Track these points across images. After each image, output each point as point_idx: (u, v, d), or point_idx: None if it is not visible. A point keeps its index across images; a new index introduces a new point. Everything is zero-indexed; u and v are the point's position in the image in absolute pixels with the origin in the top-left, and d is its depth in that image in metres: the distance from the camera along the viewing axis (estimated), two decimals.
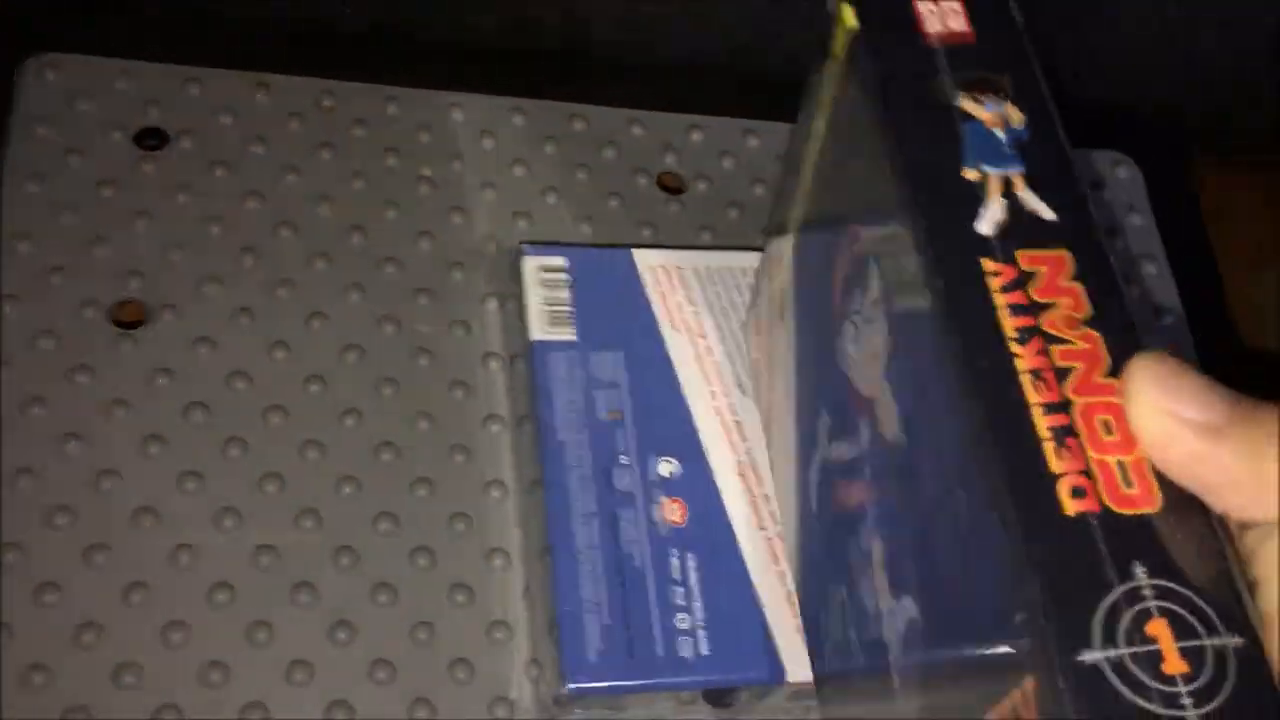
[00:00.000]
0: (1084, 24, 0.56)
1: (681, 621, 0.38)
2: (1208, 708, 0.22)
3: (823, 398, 0.34)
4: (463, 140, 0.48)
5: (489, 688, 0.39)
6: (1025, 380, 0.25)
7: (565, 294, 0.42)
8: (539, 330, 0.41)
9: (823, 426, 0.34)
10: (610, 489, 0.39)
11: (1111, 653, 0.22)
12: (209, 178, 0.45)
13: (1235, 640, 0.22)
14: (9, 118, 0.44)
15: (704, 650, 0.38)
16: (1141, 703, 0.21)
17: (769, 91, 0.54)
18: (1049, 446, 0.24)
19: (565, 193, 0.48)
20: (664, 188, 0.50)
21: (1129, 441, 0.24)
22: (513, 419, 0.43)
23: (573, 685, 0.36)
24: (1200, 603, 0.23)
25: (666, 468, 0.40)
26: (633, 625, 0.37)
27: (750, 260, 0.43)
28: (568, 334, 0.42)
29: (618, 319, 0.42)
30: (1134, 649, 0.22)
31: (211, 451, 0.41)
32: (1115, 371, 0.25)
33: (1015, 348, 0.25)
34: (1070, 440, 0.24)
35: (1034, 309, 0.26)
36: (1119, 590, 0.22)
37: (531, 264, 0.43)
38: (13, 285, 0.41)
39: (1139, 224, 0.54)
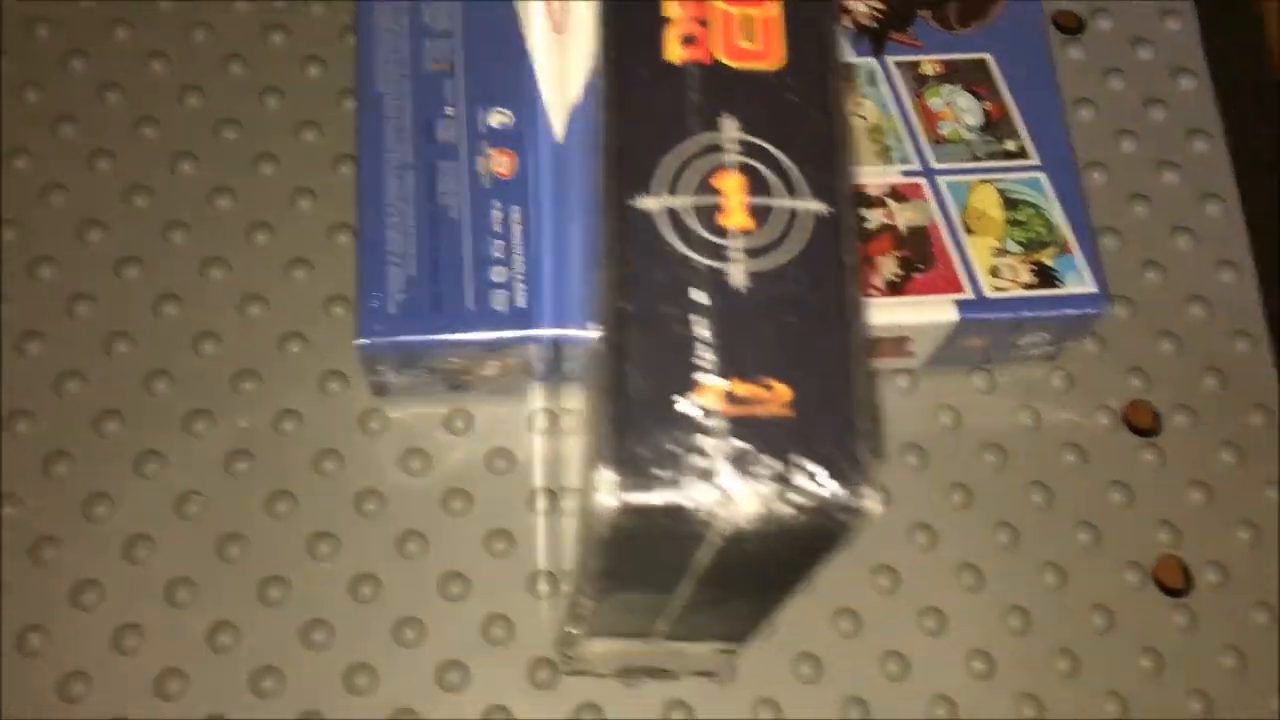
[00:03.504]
0: None
1: (497, 275, 0.35)
2: (757, 265, 0.19)
3: None
4: None
5: (320, 362, 0.38)
6: None
7: None
8: None
9: None
10: (430, 140, 0.36)
11: (670, 200, 0.19)
12: None
13: (818, 206, 0.20)
14: None
15: (519, 303, 0.35)
16: (684, 249, 0.19)
17: None
18: None
19: None
20: None
21: None
22: (335, 63, 0.41)
23: (365, 340, 0.34)
24: (790, 165, 0.20)
25: (498, 119, 0.37)
26: (441, 278, 0.35)
27: None
28: None
29: None
30: (695, 199, 0.19)
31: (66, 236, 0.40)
32: None
33: None
34: None
35: None
36: (697, 139, 0.20)
37: None
38: None
39: None
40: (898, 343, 0.36)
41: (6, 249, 0.38)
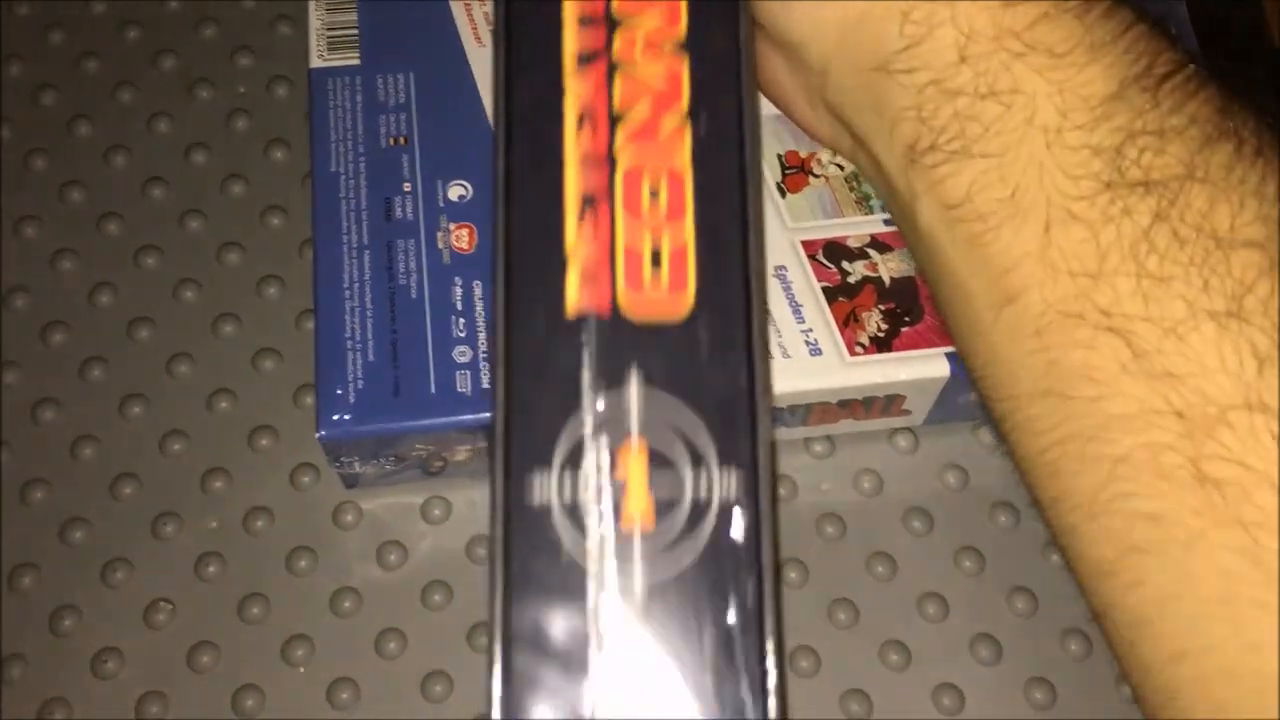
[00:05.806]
0: None
1: (460, 355, 0.33)
2: (656, 575, 0.17)
3: None
4: None
5: (249, 418, 0.37)
6: (569, 124, 0.19)
7: (351, 16, 0.38)
8: (317, 57, 0.37)
9: None
10: (388, 219, 0.35)
11: (567, 494, 0.17)
12: None
13: (727, 486, 0.17)
14: None
15: (484, 383, 0.33)
16: (579, 561, 0.17)
17: None
18: (571, 219, 0.18)
19: None
20: None
21: (679, 211, 0.18)
22: (299, 144, 0.40)
23: (324, 432, 0.32)
24: (703, 424, 0.17)
25: (457, 191, 0.35)
26: (402, 363, 0.33)
27: None
28: (350, 59, 0.37)
29: (411, 38, 0.37)
30: (595, 489, 0.17)
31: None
32: (695, 113, 0.19)
33: (570, 77, 0.19)
34: (603, 209, 0.19)
35: (611, 23, 0.19)
36: (598, 414, 0.18)
37: None
38: None
39: None
40: (890, 402, 0.34)
41: None
